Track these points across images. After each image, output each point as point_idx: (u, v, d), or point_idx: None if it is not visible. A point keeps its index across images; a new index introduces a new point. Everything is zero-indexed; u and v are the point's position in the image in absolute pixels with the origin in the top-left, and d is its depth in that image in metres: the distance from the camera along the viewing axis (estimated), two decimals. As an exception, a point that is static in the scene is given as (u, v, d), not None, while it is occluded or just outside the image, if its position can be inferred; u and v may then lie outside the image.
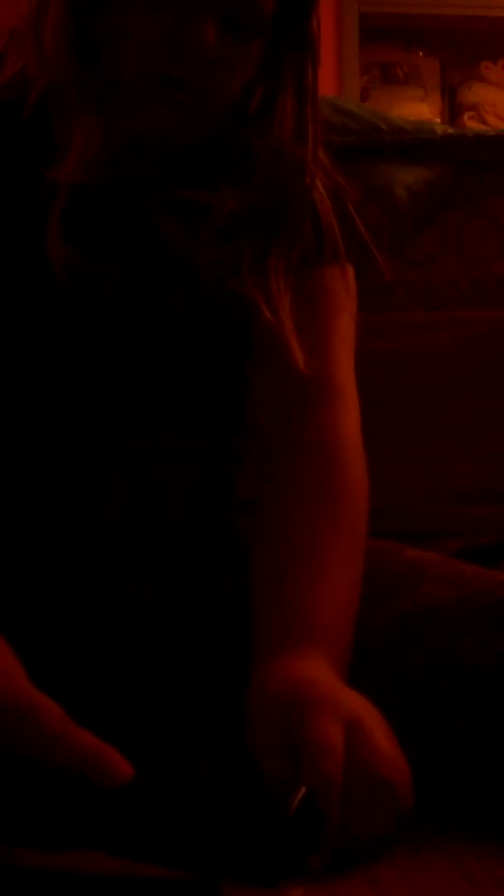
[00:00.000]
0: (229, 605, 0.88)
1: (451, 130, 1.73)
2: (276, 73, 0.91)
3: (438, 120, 3.24)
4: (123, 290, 0.88)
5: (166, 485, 0.89)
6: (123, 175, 0.89)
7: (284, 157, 0.92)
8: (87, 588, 0.87)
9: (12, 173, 0.88)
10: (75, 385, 0.88)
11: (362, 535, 0.89)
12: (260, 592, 0.84)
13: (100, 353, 0.89)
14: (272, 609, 0.82)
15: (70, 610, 0.86)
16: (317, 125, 0.93)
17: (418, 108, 3.25)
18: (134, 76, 0.85)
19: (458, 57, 3.36)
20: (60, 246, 0.85)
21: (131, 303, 0.89)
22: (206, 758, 0.69)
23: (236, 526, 0.92)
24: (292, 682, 0.74)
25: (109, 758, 0.64)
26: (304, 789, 0.65)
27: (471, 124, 3.18)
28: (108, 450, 0.88)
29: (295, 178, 0.92)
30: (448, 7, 3.25)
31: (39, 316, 0.87)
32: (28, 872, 0.63)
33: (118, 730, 0.84)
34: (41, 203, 0.86)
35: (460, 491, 1.43)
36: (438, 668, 0.80)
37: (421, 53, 3.36)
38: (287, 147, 0.92)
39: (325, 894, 0.63)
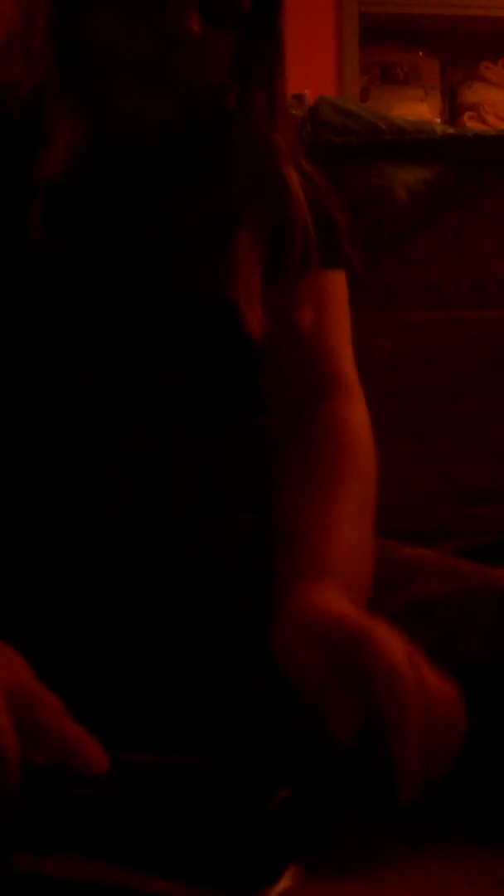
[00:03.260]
0: (231, 603, 0.88)
1: (451, 130, 1.73)
2: (249, 67, 0.95)
3: (438, 120, 3.24)
4: (112, 283, 0.89)
5: (168, 484, 0.89)
6: (104, 169, 0.91)
7: (260, 148, 0.95)
8: (88, 587, 0.87)
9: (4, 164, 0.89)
10: (75, 384, 0.88)
11: (371, 499, 0.92)
12: (279, 542, 0.86)
13: (99, 352, 0.89)
14: (289, 552, 0.84)
15: (72, 609, 0.86)
16: (285, 113, 0.98)
17: (418, 108, 3.25)
18: (118, 61, 0.87)
19: (458, 57, 3.36)
20: (43, 237, 0.87)
21: (124, 300, 0.89)
22: (198, 757, 0.69)
23: (238, 525, 0.92)
24: (325, 606, 0.77)
25: (87, 747, 0.66)
26: (286, 791, 0.64)
27: (471, 124, 3.19)
28: (110, 449, 0.88)
29: (272, 166, 0.96)
30: (448, 7, 3.26)
31: (39, 315, 0.88)
32: (21, 877, 0.63)
33: (118, 727, 0.85)
34: (22, 196, 0.87)
35: (460, 491, 1.43)
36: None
37: (421, 53, 3.36)
38: (263, 137, 0.96)
39: (325, 894, 0.62)
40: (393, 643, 0.71)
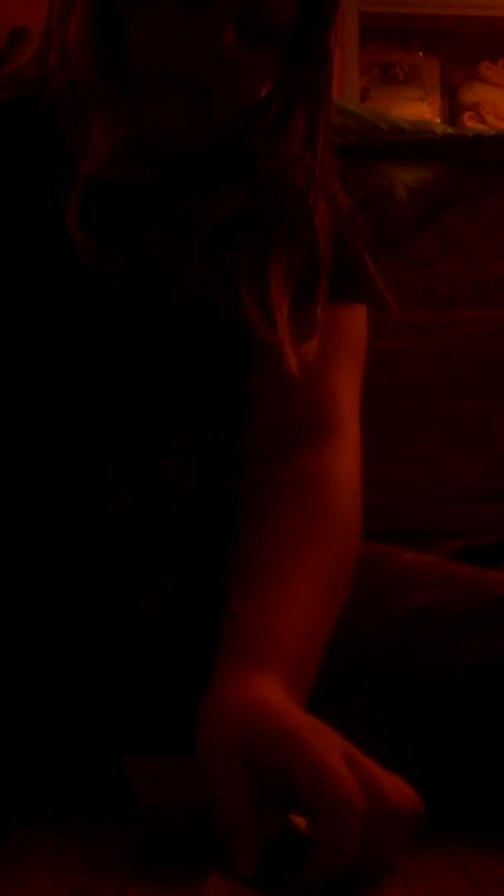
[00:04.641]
0: None
1: (451, 130, 1.73)
2: (290, 88, 0.90)
3: (438, 120, 3.24)
4: (127, 285, 0.88)
5: (169, 483, 0.89)
6: (134, 172, 0.89)
7: (286, 170, 0.91)
8: (88, 586, 0.87)
9: (31, 165, 0.89)
10: (79, 382, 0.88)
11: (343, 564, 0.85)
12: (228, 608, 0.81)
13: (104, 351, 0.89)
14: (232, 631, 0.79)
15: (72, 608, 0.86)
16: (326, 144, 0.92)
17: (418, 108, 3.24)
18: (148, 73, 0.85)
19: (458, 57, 3.36)
20: (80, 235, 0.85)
21: (135, 299, 0.89)
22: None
23: (237, 524, 0.91)
24: (252, 702, 0.71)
25: None
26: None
27: (471, 124, 3.18)
28: (112, 447, 0.88)
29: (297, 195, 0.91)
30: (448, 7, 3.25)
31: (44, 312, 0.88)
32: None
33: (119, 727, 0.85)
34: (58, 195, 0.86)
35: (460, 491, 1.43)
36: (437, 669, 0.80)
37: (421, 53, 3.36)
38: (292, 161, 0.91)
39: (325, 894, 0.62)
40: (325, 742, 0.67)
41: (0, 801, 0.75)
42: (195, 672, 0.82)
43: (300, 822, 0.65)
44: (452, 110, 3.33)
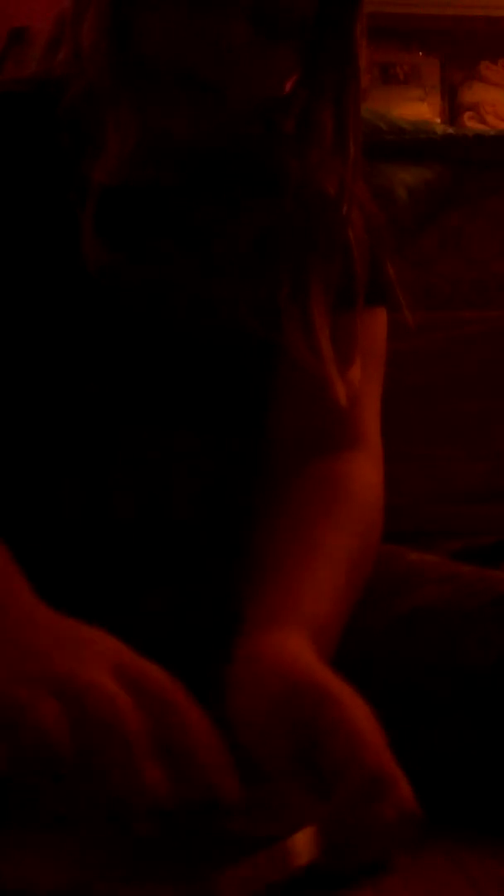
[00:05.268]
0: (237, 606, 0.88)
1: (451, 130, 1.73)
2: (315, 86, 0.87)
3: (438, 120, 3.23)
4: (148, 292, 0.87)
5: (173, 486, 0.89)
6: (151, 178, 0.88)
7: (319, 181, 0.88)
8: (93, 588, 0.86)
9: (46, 171, 0.87)
10: (88, 385, 0.88)
11: (366, 557, 0.86)
12: (252, 576, 0.82)
13: (115, 354, 0.89)
14: (259, 591, 0.79)
15: (75, 610, 0.86)
16: (357, 148, 0.88)
17: (418, 108, 3.24)
18: (162, 74, 0.83)
19: (458, 57, 3.35)
20: (95, 246, 0.84)
21: (152, 306, 0.88)
22: None
23: (245, 529, 0.91)
24: (284, 655, 0.71)
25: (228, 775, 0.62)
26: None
27: (471, 124, 3.18)
28: (118, 451, 0.88)
29: (330, 205, 0.89)
30: (448, 7, 3.25)
31: (57, 316, 0.87)
32: None
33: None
34: (73, 202, 0.85)
35: (460, 491, 1.43)
36: (438, 668, 0.80)
37: (421, 53, 3.35)
38: (322, 169, 0.88)
39: (324, 895, 0.62)
40: (353, 700, 0.67)
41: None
42: (196, 674, 0.82)
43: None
44: (452, 110, 3.33)
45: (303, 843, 0.61)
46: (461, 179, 1.63)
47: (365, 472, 0.91)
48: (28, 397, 0.88)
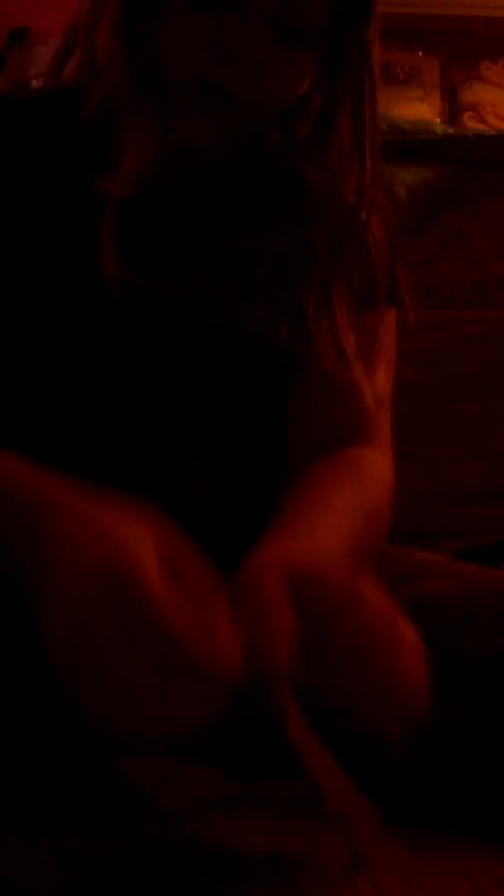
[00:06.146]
0: None
1: (451, 130, 1.73)
2: (332, 92, 0.87)
3: (438, 120, 3.23)
4: (172, 306, 0.87)
5: (183, 488, 0.89)
6: (170, 189, 0.87)
7: (339, 189, 0.88)
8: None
9: (63, 183, 0.87)
10: (105, 389, 0.88)
11: (380, 521, 0.88)
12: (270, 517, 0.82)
13: (133, 359, 0.88)
14: (277, 522, 0.80)
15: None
16: (374, 153, 0.88)
17: (418, 108, 3.24)
18: (178, 83, 0.82)
19: (458, 57, 3.35)
20: (113, 261, 0.83)
21: (176, 318, 0.88)
22: None
23: (255, 534, 0.91)
24: (299, 552, 0.72)
25: None
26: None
27: (471, 124, 3.18)
28: (132, 454, 0.88)
29: (350, 212, 0.88)
30: (448, 7, 3.25)
31: (75, 324, 0.87)
32: None
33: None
34: (91, 215, 0.84)
35: (460, 491, 1.43)
36: (440, 663, 0.80)
37: (421, 53, 3.35)
38: (341, 177, 0.88)
39: (324, 895, 0.62)
40: (374, 599, 0.67)
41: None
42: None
43: None
44: (452, 110, 3.33)
45: None
46: (461, 179, 1.63)
47: (378, 465, 0.92)
48: (38, 400, 0.88)
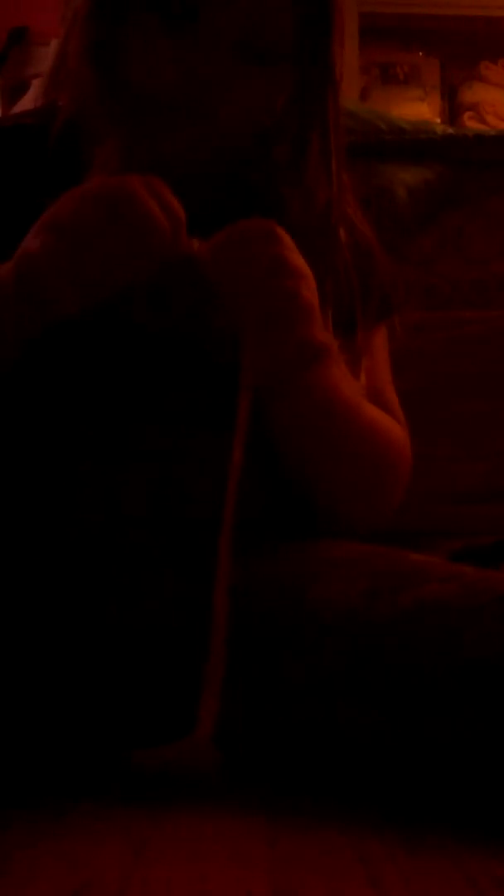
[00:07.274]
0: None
1: (451, 130, 1.73)
2: (304, 114, 0.89)
3: (438, 120, 3.24)
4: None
5: (185, 484, 0.89)
6: None
7: (313, 208, 0.90)
8: (102, 583, 0.86)
9: (35, 200, 0.86)
10: (102, 381, 0.89)
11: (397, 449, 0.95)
12: None
13: (129, 351, 0.89)
14: None
15: (84, 604, 0.86)
16: (341, 165, 0.91)
17: (418, 108, 3.24)
18: (148, 100, 0.84)
19: (458, 57, 3.36)
20: None
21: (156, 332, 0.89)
22: None
23: (260, 528, 0.91)
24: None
25: None
26: None
27: (471, 124, 3.18)
28: (132, 446, 0.88)
29: (322, 224, 0.91)
30: (448, 7, 3.25)
31: (56, 341, 0.87)
32: None
33: (120, 722, 0.85)
34: None
35: (460, 491, 1.43)
36: (439, 664, 0.80)
37: (421, 53, 3.36)
38: (314, 196, 0.90)
39: (324, 894, 0.62)
40: None
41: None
42: (198, 673, 0.82)
43: None
44: (452, 110, 3.34)
45: None
46: (461, 179, 1.63)
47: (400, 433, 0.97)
48: (38, 392, 0.88)
